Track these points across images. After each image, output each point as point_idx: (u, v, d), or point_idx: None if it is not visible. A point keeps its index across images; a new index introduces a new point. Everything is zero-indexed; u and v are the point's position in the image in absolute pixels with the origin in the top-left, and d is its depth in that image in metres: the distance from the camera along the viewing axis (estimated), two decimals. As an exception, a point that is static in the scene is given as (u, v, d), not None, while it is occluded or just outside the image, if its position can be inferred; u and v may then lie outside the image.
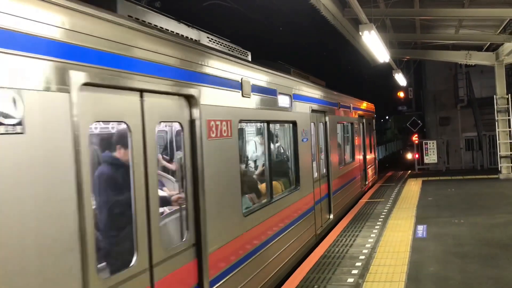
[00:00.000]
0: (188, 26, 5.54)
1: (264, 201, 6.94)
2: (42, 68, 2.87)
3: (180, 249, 4.39)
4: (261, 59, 7.92)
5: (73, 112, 3.06)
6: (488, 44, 17.59)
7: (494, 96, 17.65)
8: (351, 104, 14.39)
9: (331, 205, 10.68)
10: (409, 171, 22.41)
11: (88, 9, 3.31)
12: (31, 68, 2.80)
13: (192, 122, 4.68)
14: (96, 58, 3.34)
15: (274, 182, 7.46)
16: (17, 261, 2.62)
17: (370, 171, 17.47)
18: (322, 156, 10.61)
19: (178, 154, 4.87)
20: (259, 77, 6.71)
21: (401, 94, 34.46)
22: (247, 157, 7.90)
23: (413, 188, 16.23)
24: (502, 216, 10.57)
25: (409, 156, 28.11)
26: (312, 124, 9.66)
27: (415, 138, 23.84)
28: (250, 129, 8.16)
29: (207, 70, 5.08)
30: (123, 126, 3.77)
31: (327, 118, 10.91)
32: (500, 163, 17.72)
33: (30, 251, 2.71)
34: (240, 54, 6.76)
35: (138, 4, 4.76)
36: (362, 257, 7.87)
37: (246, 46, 7.19)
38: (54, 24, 2.98)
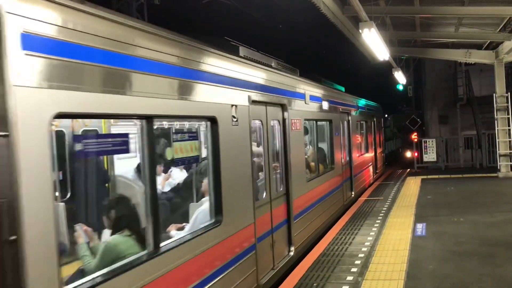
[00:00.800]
0: (264, 54, 7.92)
1: (314, 174, 9.80)
2: (242, 95, 6.05)
3: (280, 195, 7.49)
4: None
5: (249, 115, 6.20)
6: (488, 43, 17.56)
7: (494, 95, 17.62)
8: (366, 106, 17.53)
9: (352, 184, 13.71)
10: (408, 170, 22.41)
11: (252, 63, 6.73)
12: (239, 95, 5.95)
13: (284, 120, 7.79)
14: (257, 88, 6.58)
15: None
16: (238, 184, 5.80)
17: (379, 162, 20.52)
18: (346, 147, 13.41)
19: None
20: (313, 90, 9.93)
21: (400, 87, 34.45)
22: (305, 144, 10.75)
23: (412, 186, 16.23)
24: (501, 214, 10.58)
25: (408, 154, 28.13)
26: (340, 122, 12.58)
27: (414, 136, 23.85)
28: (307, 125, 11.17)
29: (290, 88, 8.24)
30: (259, 122, 6.86)
31: (349, 117, 13.85)
32: (499, 162, 17.73)
33: (240, 181, 5.87)
34: (292, 71, 9.14)
35: (245, 46, 7.17)
36: (361, 255, 7.87)
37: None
38: (246, 73, 6.31)
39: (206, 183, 5.68)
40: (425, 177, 18.71)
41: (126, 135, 4.12)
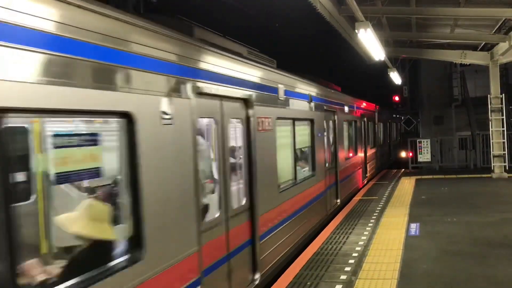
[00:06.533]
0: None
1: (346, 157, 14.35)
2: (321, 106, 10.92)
3: (332, 166, 11.80)
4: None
5: (324, 118, 11.12)
6: (483, 44, 17.62)
7: (488, 96, 17.70)
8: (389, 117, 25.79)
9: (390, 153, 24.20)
10: (403, 170, 22.48)
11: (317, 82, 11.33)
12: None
13: (334, 121, 12.22)
14: (327, 102, 11.52)
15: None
16: (320, 155, 10.58)
17: (392, 149, 27.57)
18: (380, 133, 22.52)
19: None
20: (347, 99, 14.83)
21: (396, 98, 34.80)
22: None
23: (406, 186, 16.29)
24: (494, 215, 10.63)
25: (403, 154, 28.21)
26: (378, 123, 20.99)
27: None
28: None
29: (337, 100, 13.03)
30: (325, 122, 11.39)
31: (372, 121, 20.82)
32: (493, 163, 17.81)
33: (321, 154, 10.71)
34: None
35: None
36: (355, 254, 7.90)
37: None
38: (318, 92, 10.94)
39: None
40: (419, 177, 18.77)
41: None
